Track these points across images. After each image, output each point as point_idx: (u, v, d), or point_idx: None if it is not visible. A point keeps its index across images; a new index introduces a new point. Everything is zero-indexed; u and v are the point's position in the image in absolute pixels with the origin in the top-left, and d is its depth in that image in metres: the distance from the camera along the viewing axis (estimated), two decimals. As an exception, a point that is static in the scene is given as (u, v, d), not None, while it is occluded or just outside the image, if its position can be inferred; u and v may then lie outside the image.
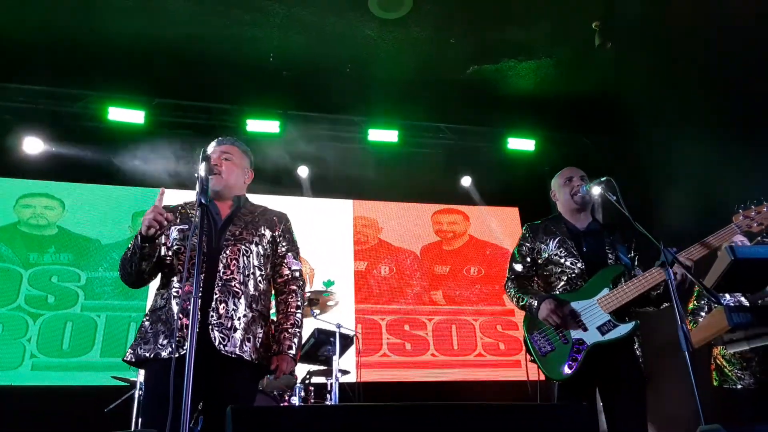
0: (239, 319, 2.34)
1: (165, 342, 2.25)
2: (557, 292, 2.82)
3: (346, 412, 1.72)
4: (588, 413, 1.76)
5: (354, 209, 7.16)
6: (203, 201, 2.23)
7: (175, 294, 2.33)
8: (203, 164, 2.30)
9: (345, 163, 7.10)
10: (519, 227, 7.35)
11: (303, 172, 7.01)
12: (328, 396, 4.47)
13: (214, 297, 2.32)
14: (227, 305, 2.33)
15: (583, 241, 2.88)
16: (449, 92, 6.53)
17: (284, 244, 2.64)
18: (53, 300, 5.95)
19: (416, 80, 6.28)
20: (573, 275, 2.80)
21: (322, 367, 4.69)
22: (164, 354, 2.22)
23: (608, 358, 2.64)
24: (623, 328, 2.61)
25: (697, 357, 2.24)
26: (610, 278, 2.72)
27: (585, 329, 2.66)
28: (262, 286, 2.50)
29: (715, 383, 3.60)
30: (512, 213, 7.49)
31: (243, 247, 2.46)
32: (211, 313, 2.29)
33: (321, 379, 4.71)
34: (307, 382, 4.60)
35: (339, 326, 4.46)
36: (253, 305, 2.42)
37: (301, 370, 4.68)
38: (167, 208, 2.57)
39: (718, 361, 3.63)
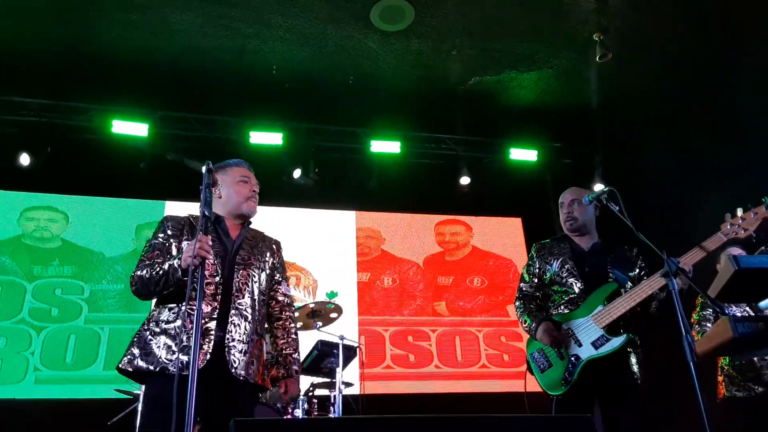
0: (248, 342, 2.40)
1: (172, 357, 2.25)
2: (561, 311, 2.92)
3: (349, 425, 1.72)
4: (588, 425, 1.75)
5: (357, 220, 7.17)
6: (206, 213, 2.25)
7: (190, 311, 2.30)
8: (206, 176, 2.32)
9: (347, 174, 7.12)
10: (522, 237, 7.34)
11: (305, 183, 7.02)
12: (332, 408, 4.45)
13: (230, 320, 2.37)
14: (239, 329, 2.38)
15: (585, 261, 2.96)
16: (451, 103, 6.55)
17: (280, 271, 2.74)
18: (57, 313, 5.95)
19: (418, 91, 6.31)
20: (574, 295, 2.89)
21: (325, 380, 4.66)
22: (172, 369, 2.22)
23: (604, 372, 2.72)
24: (615, 342, 2.70)
25: (703, 367, 2.23)
26: (605, 296, 2.81)
27: (580, 345, 2.76)
28: (263, 310, 2.58)
29: (726, 393, 3.57)
30: (515, 223, 7.49)
31: (252, 272, 2.52)
32: (228, 336, 2.34)
33: (324, 392, 4.69)
34: (310, 394, 4.57)
35: (342, 338, 4.45)
36: (257, 329, 2.49)
37: (305, 382, 4.66)
38: (174, 219, 2.58)
39: (726, 371, 3.60)
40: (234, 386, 2.33)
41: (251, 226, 2.72)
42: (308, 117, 6.76)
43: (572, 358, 2.75)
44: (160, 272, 2.32)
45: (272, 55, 5.74)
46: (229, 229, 2.58)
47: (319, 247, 6.82)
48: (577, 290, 2.88)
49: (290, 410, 4.22)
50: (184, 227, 2.54)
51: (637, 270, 2.94)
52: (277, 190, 6.81)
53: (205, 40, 5.50)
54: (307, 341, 4.67)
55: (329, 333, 4.49)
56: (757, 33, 5.20)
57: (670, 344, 3.16)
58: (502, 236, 7.41)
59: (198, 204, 2.28)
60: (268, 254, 2.64)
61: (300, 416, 4.20)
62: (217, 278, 2.40)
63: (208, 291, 2.35)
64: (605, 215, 2.84)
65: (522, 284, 3.12)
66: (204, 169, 2.36)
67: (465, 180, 7.19)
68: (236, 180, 2.62)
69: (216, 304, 2.36)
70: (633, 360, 2.77)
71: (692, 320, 3.69)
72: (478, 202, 7.37)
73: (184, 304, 2.33)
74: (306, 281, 6.66)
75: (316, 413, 4.48)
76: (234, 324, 2.36)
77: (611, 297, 2.79)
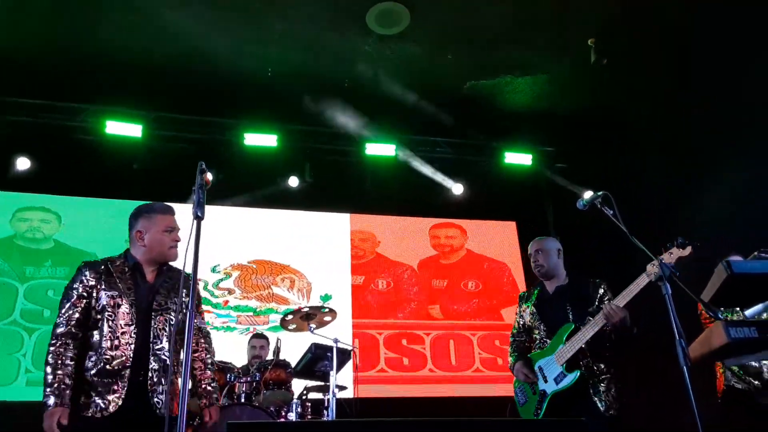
0: (169, 383, 2.54)
1: (88, 400, 2.42)
2: (537, 351, 3.35)
3: (343, 428, 1.71)
4: (582, 428, 1.75)
5: (351, 223, 7.16)
6: (199, 214, 2.24)
7: (107, 358, 2.48)
8: (199, 177, 2.32)
9: (342, 177, 7.12)
10: (517, 241, 7.34)
11: (300, 185, 7.01)
12: (325, 412, 4.43)
13: (150, 366, 2.52)
14: (159, 372, 2.54)
15: (548, 306, 3.38)
16: (446, 107, 6.56)
17: (197, 305, 2.84)
18: (49, 314, 5.90)
19: (413, 95, 6.32)
20: (543, 336, 3.33)
21: (318, 383, 4.65)
22: (88, 412, 2.39)
23: (569, 402, 3.08)
24: (571, 377, 3.09)
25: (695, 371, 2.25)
26: (564, 335, 3.19)
27: (546, 381, 3.19)
28: (178, 346, 2.69)
29: (725, 384, 3.59)
30: (510, 227, 7.49)
31: (169, 316, 2.65)
32: (149, 381, 2.51)
33: (318, 395, 4.67)
34: (303, 397, 4.56)
35: (336, 341, 4.43)
36: (174, 368, 2.63)
37: (298, 385, 4.65)
38: (92, 268, 2.66)
39: (727, 365, 3.61)
40: (158, 425, 2.41)
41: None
42: (303, 119, 6.76)
43: (540, 393, 3.20)
44: (50, 382, 2.46)
45: (268, 58, 5.74)
46: (146, 275, 2.71)
47: (314, 249, 6.81)
48: (543, 332, 3.32)
49: (284, 414, 4.21)
50: (101, 275, 2.64)
51: (596, 302, 3.24)
52: (271, 193, 6.80)
53: (201, 42, 5.48)
54: (300, 344, 4.67)
55: (323, 336, 4.47)
56: (759, 34, 5.22)
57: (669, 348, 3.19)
58: (497, 240, 7.42)
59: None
60: (185, 292, 2.70)
61: (293, 419, 4.18)
62: (132, 327, 2.54)
63: (123, 340, 2.50)
64: (600, 218, 2.84)
65: (513, 329, 3.60)
66: (197, 170, 2.36)
67: (458, 186, 7.21)
68: (161, 229, 2.75)
69: (130, 352, 2.50)
70: (594, 390, 3.07)
71: (703, 318, 3.70)
72: (473, 206, 7.37)
73: (103, 344, 2.49)
74: (300, 284, 6.65)
75: (309, 417, 4.46)
76: (154, 370, 2.53)
77: (570, 336, 3.16)
